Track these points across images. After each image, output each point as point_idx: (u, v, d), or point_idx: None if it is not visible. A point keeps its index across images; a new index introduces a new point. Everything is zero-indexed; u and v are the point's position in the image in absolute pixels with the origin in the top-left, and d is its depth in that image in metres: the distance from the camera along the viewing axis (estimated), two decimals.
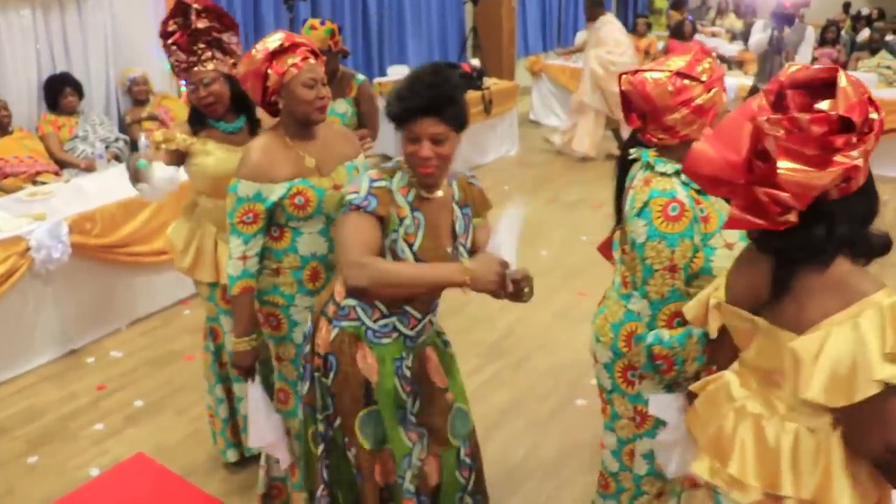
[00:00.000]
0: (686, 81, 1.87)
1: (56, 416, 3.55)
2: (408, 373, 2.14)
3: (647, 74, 1.91)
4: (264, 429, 2.46)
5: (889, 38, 9.89)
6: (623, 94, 1.99)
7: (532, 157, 7.99)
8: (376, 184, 1.97)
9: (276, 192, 2.27)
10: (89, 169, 4.92)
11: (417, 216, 2.02)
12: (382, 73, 8.20)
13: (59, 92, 5.12)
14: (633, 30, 10.28)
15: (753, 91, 6.46)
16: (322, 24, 3.70)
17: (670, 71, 1.89)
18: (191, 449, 3.31)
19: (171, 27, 2.63)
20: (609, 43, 7.55)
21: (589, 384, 3.80)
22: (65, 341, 4.06)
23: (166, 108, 5.54)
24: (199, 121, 2.72)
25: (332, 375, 2.10)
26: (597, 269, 3.59)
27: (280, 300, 2.40)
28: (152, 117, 5.48)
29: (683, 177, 1.91)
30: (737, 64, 9.23)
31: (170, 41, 2.62)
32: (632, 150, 2.07)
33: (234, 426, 3.09)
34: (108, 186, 4.39)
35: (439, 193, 2.06)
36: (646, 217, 1.90)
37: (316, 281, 2.41)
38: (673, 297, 1.93)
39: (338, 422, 2.14)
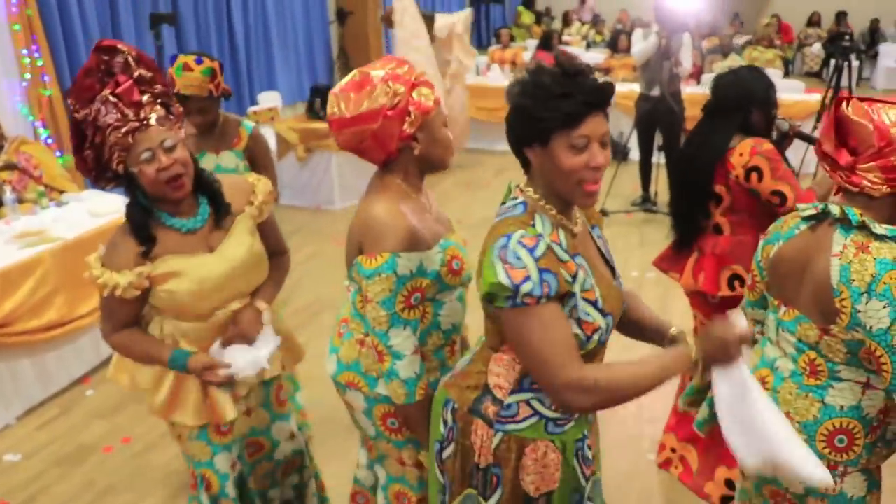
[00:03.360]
0: None
1: None
2: (589, 453, 1.75)
3: (883, 107, 1.65)
4: None
5: (736, 40, 10.45)
6: (844, 122, 1.68)
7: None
8: (539, 251, 1.50)
9: (435, 260, 1.83)
10: None
11: (580, 262, 1.59)
12: (253, 102, 7.67)
13: None
14: (496, 41, 10.32)
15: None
16: (199, 62, 2.86)
17: None
18: None
19: (87, 81, 1.86)
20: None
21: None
22: None
23: (27, 154, 4.75)
24: (142, 219, 1.92)
25: (497, 494, 1.69)
26: None
27: None
28: (10, 166, 4.67)
29: None
30: (604, 71, 9.36)
31: (107, 92, 1.83)
32: (802, 206, 1.81)
33: None
34: None
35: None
36: (885, 297, 1.57)
37: (453, 356, 1.98)
38: None
39: None
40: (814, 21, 14.54)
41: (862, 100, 1.71)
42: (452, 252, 1.89)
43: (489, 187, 7.41)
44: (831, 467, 1.75)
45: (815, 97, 8.10)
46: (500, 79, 9.00)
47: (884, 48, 13.69)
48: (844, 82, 6.66)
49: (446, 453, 1.75)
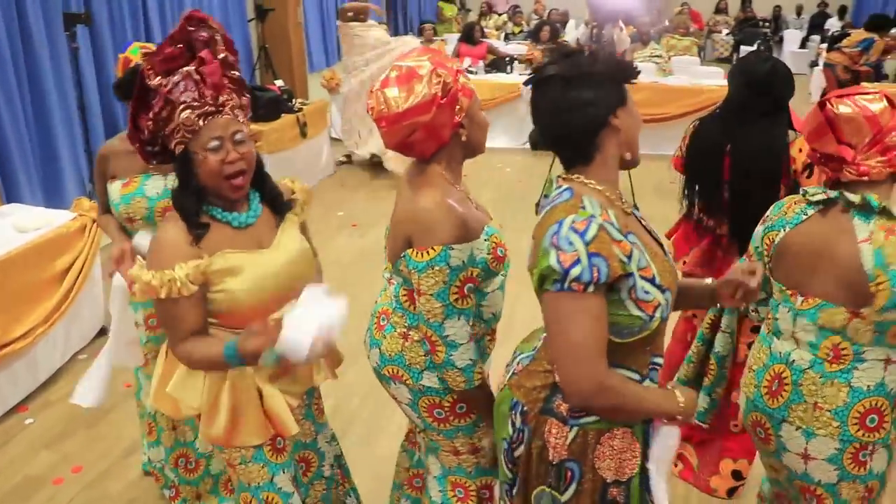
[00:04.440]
0: None
1: None
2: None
3: (859, 98, 1.76)
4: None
5: (653, 30, 10.68)
6: (834, 120, 1.77)
7: (352, 178, 7.57)
8: (590, 234, 1.46)
9: (483, 248, 1.83)
10: None
11: (633, 240, 1.55)
12: None
13: None
14: (419, 35, 10.23)
15: None
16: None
17: (877, 92, 1.78)
18: None
19: (171, 50, 1.73)
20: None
21: None
22: None
23: None
24: (194, 205, 1.79)
25: (572, 488, 1.65)
26: None
27: None
28: None
29: None
30: (527, 61, 9.39)
31: (192, 68, 1.72)
32: (812, 191, 1.86)
33: None
34: None
35: None
36: None
37: (492, 344, 2.00)
38: None
39: None
40: (721, 8, 15.04)
41: (839, 96, 1.80)
42: (496, 239, 1.88)
43: None
44: (863, 448, 1.81)
45: None
46: None
47: (787, 34, 14.30)
48: None
49: (517, 452, 1.71)
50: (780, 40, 14.30)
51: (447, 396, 1.93)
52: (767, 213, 1.98)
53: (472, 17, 14.21)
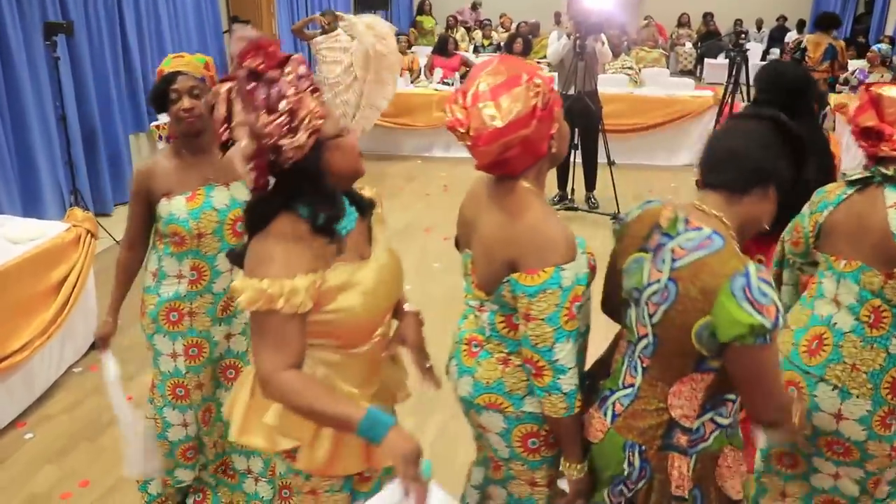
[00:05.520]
0: None
1: None
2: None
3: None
4: None
5: (625, 42, 10.87)
6: (877, 101, 1.94)
7: None
8: (773, 282, 1.51)
9: (583, 264, 1.71)
10: None
11: None
12: (150, 115, 7.26)
13: None
14: None
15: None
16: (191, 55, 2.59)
17: None
18: None
19: (270, 48, 1.54)
20: None
21: None
22: None
23: None
24: (335, 207, 1.65)
25: None
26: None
27: None
28: None
29: None
30: None
31: (302, 68, 1.55)
32: (850, 173, 2.04)
33: None
34: None
35: None
36: None
37: (585, 359, 1.90)
38: None
39: None
40: (683, 22, 15.33)
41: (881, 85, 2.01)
42: (588, 249, 1.78)
43: (402, 193, 7.31)
44: (891, 412, 1.96)
45: (706, 93, 8.58)
46: (401, 84, 8.92)
47: (749, 47, 14.62)
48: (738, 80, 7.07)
49: (638, 485, 1.71)
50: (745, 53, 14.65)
51: (545, 425, 1.81)
52: (814, 199, 2.15)
53: (440, 29, 14.27)
